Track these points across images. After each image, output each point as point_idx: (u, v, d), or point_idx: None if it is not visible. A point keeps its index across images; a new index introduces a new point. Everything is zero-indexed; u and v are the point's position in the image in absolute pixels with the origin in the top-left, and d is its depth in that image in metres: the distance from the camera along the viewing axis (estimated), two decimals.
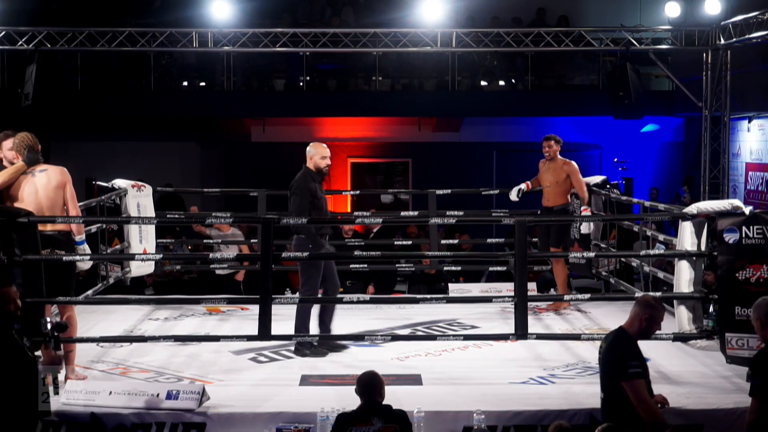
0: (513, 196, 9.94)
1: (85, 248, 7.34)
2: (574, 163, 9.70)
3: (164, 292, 11.49)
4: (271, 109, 17.28)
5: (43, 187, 6.97)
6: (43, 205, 6.97)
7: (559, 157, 9.74)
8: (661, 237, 9.23)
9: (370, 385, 5.51)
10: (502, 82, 17.51)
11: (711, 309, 7.51)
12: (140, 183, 9.99)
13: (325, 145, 7.98)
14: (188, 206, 15.96)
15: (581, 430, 6.15)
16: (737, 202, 7.66)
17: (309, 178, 7.82)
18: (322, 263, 7.77)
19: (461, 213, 10.59)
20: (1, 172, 6.99)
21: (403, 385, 6.75)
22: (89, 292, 8.39)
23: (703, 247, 7.51)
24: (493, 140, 18.20)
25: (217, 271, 11.42)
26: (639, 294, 8.76)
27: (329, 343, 7.87)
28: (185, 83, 17.36)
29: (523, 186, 9.94)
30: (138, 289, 11.38)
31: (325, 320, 7.96)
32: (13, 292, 5.39)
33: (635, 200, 9.96)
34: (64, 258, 6.95)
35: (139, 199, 9.82)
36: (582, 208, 9.50)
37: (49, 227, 6.96)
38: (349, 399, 5.94)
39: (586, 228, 9.42)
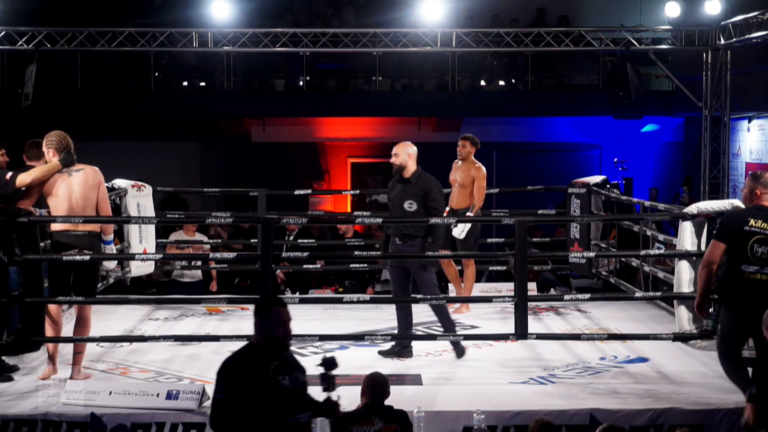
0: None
1: (112, 248, 7.37)
2: (483, 168, 9.43)
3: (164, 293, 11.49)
4: (271, 109, 17.26)
5: (79, 186, 6.95)
6: (77, 205, 6.94)
7: (472, 159, 9.49)
8: (661, 237, 9.23)
9: (381, 386, 5.50)
10: (502, 82, 17.50)
11: (711, 309, 7.50)
12: (140, 183, 9.99)
13: (408, 143, 8.06)
14: (192, 207, 15.96)
15: (581, 430, 6.15)
16: (737, 202, 7.66)
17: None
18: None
19: None
20: (35, 169, 6.98)
21: (403, 385, 6.75)
22: None
23: (703, 247, 7.51)
24: (493, 140, 18.12)
25: (176, 277, 11.32)
26: (639, 294, 8.82)
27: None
28: (185, 83, 17.35)
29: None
30: (146, 289, 11.39)
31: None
32: (285, 313, 4.67)
33: (635, 200, 9.95)
34: (64, 258, 6.94)
35: (139, 199, 9.82)
36: (466, 213, 9.28)
37: (80, 227, 6.94)
38: (349, 399, 5.93)
39: (457, 231, 9.12)
